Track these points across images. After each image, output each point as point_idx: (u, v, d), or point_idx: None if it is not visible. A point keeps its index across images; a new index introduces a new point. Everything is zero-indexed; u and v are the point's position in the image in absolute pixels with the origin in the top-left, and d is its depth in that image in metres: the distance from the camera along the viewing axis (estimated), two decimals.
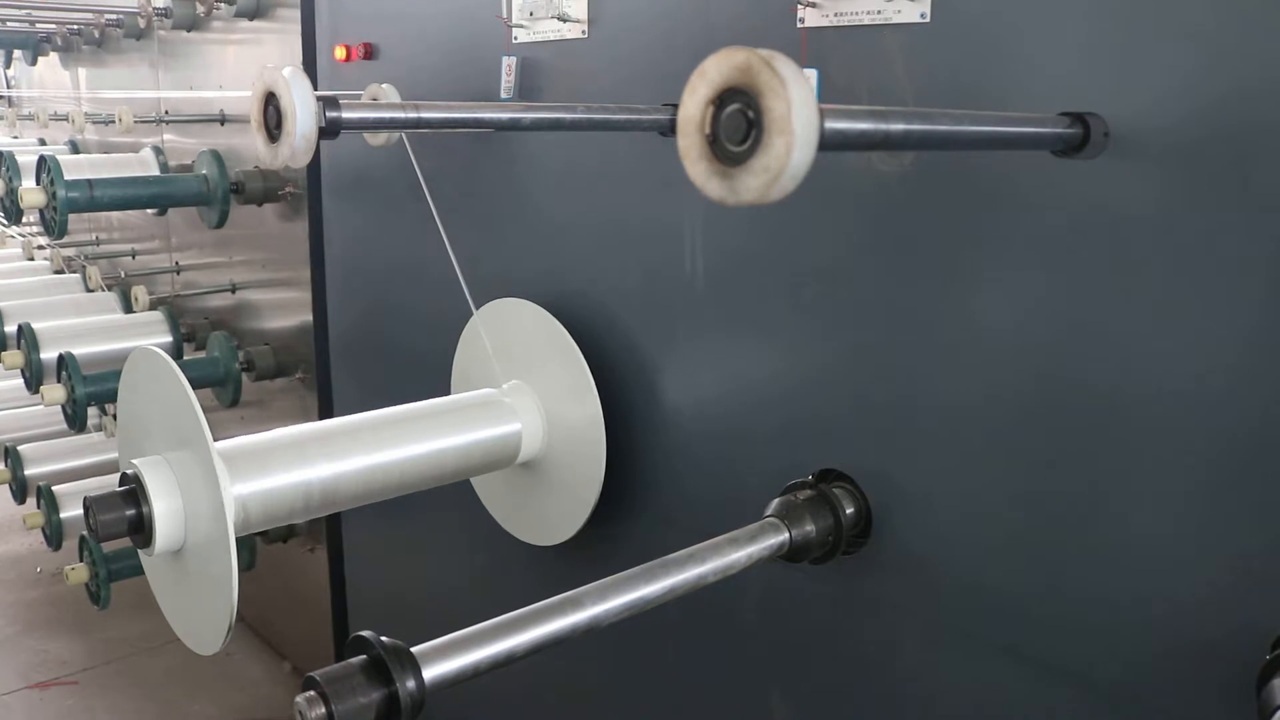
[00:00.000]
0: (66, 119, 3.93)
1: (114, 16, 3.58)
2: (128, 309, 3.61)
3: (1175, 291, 1.17)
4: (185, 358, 3.30)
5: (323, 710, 0.99)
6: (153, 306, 3.46)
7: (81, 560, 3.27)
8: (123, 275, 3.75)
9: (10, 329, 3.39)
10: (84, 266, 3.88)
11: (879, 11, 1.40)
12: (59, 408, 3.08)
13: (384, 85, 2.15)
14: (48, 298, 3.80)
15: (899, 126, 0.94)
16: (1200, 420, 1.16)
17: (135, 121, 3.25)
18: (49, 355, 3.14)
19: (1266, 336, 1.11)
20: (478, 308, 2.02)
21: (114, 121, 3.32)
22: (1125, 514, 1.23)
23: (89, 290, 3.83)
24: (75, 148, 4.16)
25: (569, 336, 1.86)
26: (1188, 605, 1.20)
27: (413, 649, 1.05)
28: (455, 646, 1.09)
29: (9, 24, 4.17)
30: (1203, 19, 1.12)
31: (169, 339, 3.37)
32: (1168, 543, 1.21)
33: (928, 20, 1.36)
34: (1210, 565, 1.18)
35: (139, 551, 1.55)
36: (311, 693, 1.00)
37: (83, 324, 3.40)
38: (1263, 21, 1.08)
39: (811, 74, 1.47)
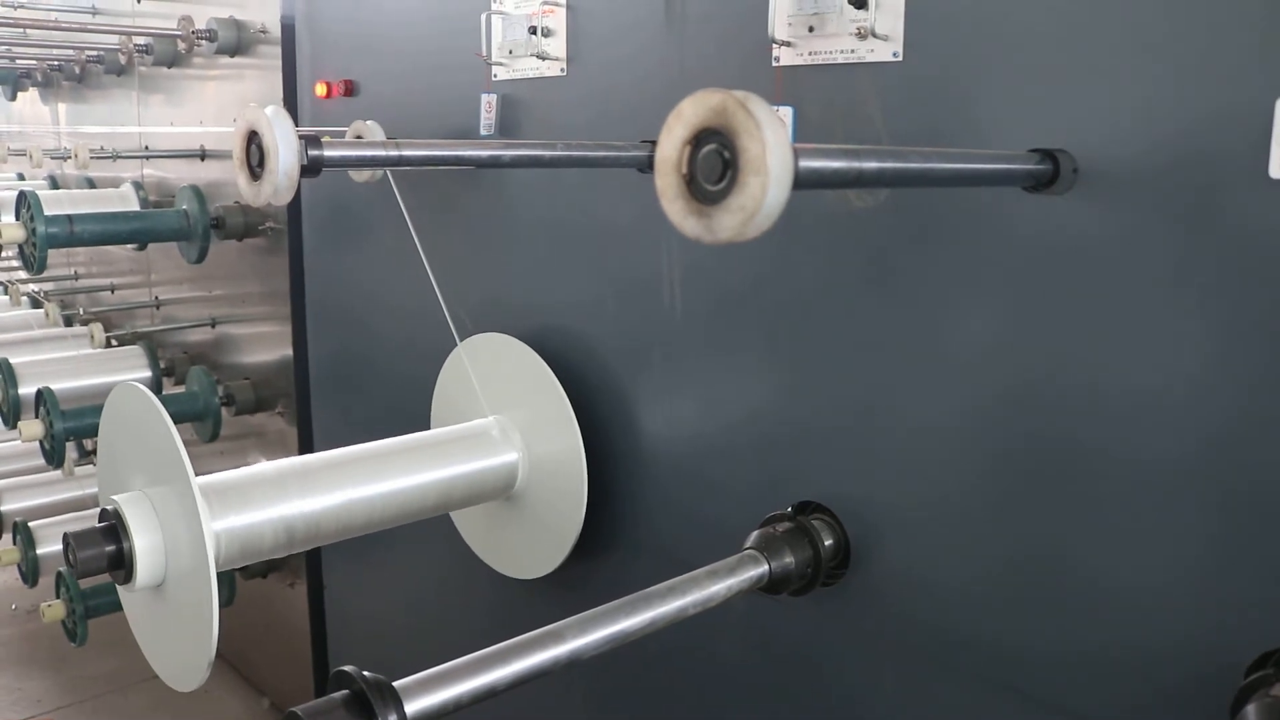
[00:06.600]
0: (24, 154, 3.77)
1: (95, 53, 3.58)
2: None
3: (1146, 323, 1.19)
4: (165, 392, 3.29)
5: None
6: (132, 341, 3.44)
7: (58, 597, 3.23)
8: (81, 312, 3.71)
9: None
10: (44, 303, 3.84)
11: (852, 51, 1.43)
12: (36, 443, 3.07)
13: (369, 122, 2.17)
14: (26, 332, 3.77)
15: (872, 165, 0.96)
16: (1174, 451, 1.18)
17: (91, 157, 3.19)
18: (27, 390, 3.12)
19: (1236, 368, 1.13)
20: (458, 344, 2.03)
21: (70, 157, 3.25)
22: (1103, 545, 1.25)
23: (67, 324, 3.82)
24: (55, 183, 4.15)
25: (549, 370, 1.87)
26: (1171, 637, 1.21)
27: (395, 683, 1.05)
28: (437, 681, 1.09)
29: None
30: (1166, 56, 1.15)
31: (148, 374, 3.36)
32: (1148, 575, 1.22)
33: (900, 60, 1.39)
34: (1192, 595, 1.19)
35: (118, 587, 1.55)
36: None
37: (61, 359, 3.38)
38: (1225, 57, 1.11)
39: (787, 111, 1.50)
